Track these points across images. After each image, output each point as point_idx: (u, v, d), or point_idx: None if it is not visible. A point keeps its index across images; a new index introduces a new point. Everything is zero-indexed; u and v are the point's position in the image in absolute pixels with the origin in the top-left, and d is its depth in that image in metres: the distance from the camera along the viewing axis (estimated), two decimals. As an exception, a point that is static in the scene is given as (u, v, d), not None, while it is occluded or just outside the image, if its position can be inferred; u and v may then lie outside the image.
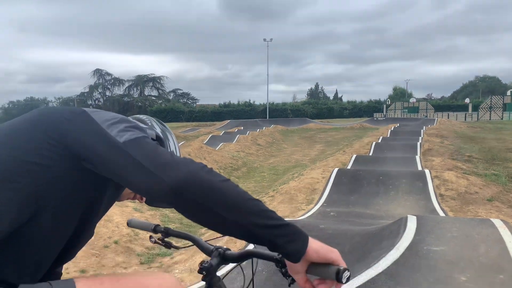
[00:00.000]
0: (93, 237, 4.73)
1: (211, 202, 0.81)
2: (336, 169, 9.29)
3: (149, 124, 1.30)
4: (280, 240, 0.82)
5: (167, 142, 1.31)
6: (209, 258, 1.13)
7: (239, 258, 1.11)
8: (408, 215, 4.78)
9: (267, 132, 24.63)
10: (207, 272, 1.07)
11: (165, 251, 5.26)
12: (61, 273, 1.11)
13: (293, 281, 0.95)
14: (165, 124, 1.39)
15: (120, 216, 6.00)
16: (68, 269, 4.37)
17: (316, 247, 0.85)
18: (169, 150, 1.28)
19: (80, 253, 4.97)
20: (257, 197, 8.29)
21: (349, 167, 10.60)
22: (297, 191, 8.21)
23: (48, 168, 0.88)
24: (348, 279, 0.83)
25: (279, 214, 5.00)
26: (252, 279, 1.14)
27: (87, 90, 68.74)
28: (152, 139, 1.25)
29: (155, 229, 1.34)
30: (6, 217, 0.83)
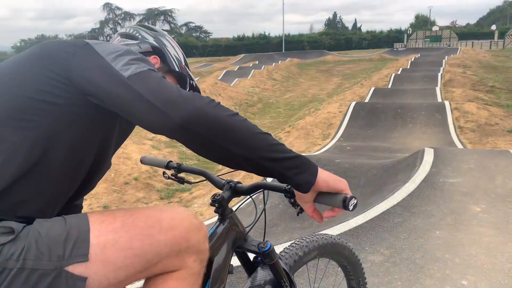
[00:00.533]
0: (113, 174, 4.91)
1: (218, 137, 0.80)
2: (353, 103, 9.15)
3: (139, 37, 1.23)
4: (290, 172, 0.84)
5: (165, 48, 1.24)
6: (221, 192, 1.15)
7: (250, 190, 1.14)
8: (425, 148, 4.74)
9: (282, 66, 24.09)
10: (219, 204, 1.10)
11: (184, 187, 5.44)
12: (82, 206, 1.12)
13: (301, 210, 0.98)
14: (156, 28, 1.31)
15: (138, 154, 6.16)
16: (92, 205, 4.60)
17: (325, 177, 0.87)
18: (170, 57, 1.24)
19: (101, 190, 5.18)
20: (273, 133, 8.34)
21: (366, 100, 10.41)
22: (313, 126, 8.19)
23: (57, 106, 0.86)
24: (355, 206, 0.86)
25: (295, 149, 5.05)
26: (264, 210, 1.17)
27: (98, 26, 67.61)
28: (149, 51, 1.21)
29: (168, 165, 1.35)
30: (20, 154, 0.83)
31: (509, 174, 3.87)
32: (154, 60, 1.22)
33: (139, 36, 1.24)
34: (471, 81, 12.35)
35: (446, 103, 8.57)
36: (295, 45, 54.43)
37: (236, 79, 16.97)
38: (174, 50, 1.28)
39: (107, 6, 66.47)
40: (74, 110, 0.88)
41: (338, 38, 59.38)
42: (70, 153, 0.89)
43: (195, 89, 1.32)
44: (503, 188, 3.56)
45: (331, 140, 7.40)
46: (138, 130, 8.21)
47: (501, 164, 4.16)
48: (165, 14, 68.21)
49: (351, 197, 0.85)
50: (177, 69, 1.25)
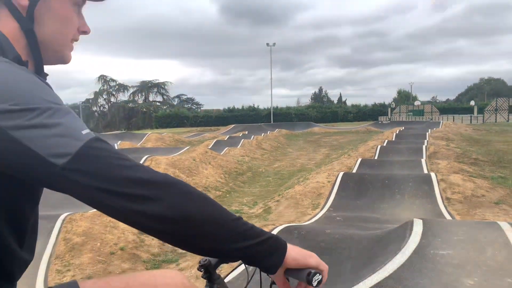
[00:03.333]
0: (99, 244, 4.74)
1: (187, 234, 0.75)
2: (341, 173, 9.28)
3: None
4: (258, 256, 0.81)
5: None
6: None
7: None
8: (414, 219, 4.76)
9: (271, 136, 24.65)
10: (205, 269, 1.08)
11: (171, 258, 5.28)
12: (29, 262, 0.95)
13: (273, 282, 0.97)
14: None
15: (127, 222, 6.03)
16: (75, 276, 4.39)
17: (294, 255, 0.85)
18: None
19: (86, 260, 5.00)
20: (263, 202, 8.23)
21: (354, 171, 10.57)
22: (303, 196, 8.21)
23: None
24: (319, 282, 0.87)
25: (285, 219, 5.01)
26: (248, 280, 1.15)
27: (92, 96, 69.22)
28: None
29: None
30: None
31: (498, 246, 3.88)
32: None
33: None
34: (455, 154, 12.74)
35: (432, 174, 8.75)
36: (283, 117, 56.27)
37: (226, 148, 17.23)
38: None
39: (102, 78, 68.73)
40: None
41: (324, 111, 61.69)
42: None
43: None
44: (494, 261, 3.54)
45: (321, 210, 7.37)
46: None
47: (490, 236, 4.18)
48: (158, 87, 70.63)
49: (315, 273, 0.86)
50: None
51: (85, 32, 0.96)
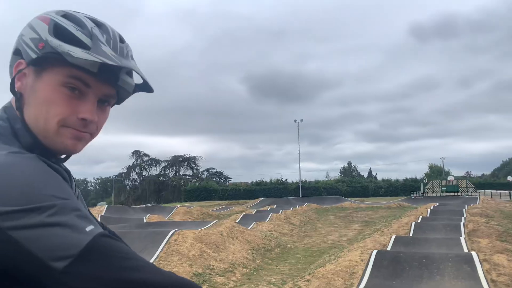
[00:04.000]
0: None
1: None
2: (375, 251, 8.85)
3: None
4: None
5: (20, 39, 0.85)
6: None
7: None
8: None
9: (300, 210, 24.20)
10: None
11: None
12: None
13: None
14: (92, 21, 0.87)
15: None
16: None
17: None
18: (23, 46, 0.83)
19: None
20: (292, 281, 7.89)
21: (388, 248, 10.06)
22: (335, 275, 7.80)
23: None
24: None
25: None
26: None
27: (125, 170, 71.42)
28: (16, 58, 0.86)
29: None
30: None
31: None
32: (20, 66, 0.84)
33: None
34: (497, 232, 11.99)
35: (474, 254, 8.20)
36: (311, 191, 55.65)
37: (254, 222, 16.97)
38: (31, 31, 0.83)
39: (136, 153, 71.37)
40: None
41: (354, 185, 60.67)
42: None
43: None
44: None
45: (355, 291, 6.93)
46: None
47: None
48: (189, 161, 72.39)
49: None
50: (33, 56, 0.81)
51: (85, 119, 0.82)
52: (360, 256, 8.64)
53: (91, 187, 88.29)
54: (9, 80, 0.86)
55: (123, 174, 71.35)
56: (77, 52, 0.78)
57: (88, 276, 0.64)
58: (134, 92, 0.92)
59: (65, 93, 0.82)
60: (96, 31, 0.83)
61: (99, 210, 20.60)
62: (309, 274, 8.51)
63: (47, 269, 0.64)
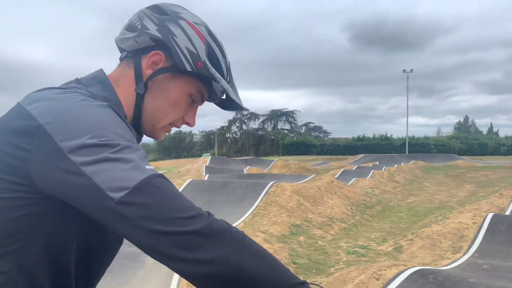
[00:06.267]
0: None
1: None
2: (490, 214, 7.98)
3: (139, 27, 0.91)
4: None
5: (172, 39, 0.88)
6: None
7: None
8: None
9: (406, 168, 22.92)
10: None
11: None
12: None
13: None
14: (169, 9, 0.93)
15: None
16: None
17: None
18: (178, 51, 0.88)
19: None
20: (393, 240, 7.62)
21: (507, 212, 8.99)
22: (441, 237, 7.27)
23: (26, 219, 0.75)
24: None
25: (418, 260, 4.50)
26: None
27: (226, 124, 75.09)
28: (149, 46, 0.91)
29: None
30: None
31: None
32: (156, 57, 0.90)
33: (139, 26, 0.91)
34: None
35: None
36: (419, 147, 51.94)
37: (354, 178, 16.59)
38: (188, 40, 0.89)
39: (236, 107, 74.11)
40: (44, 212, 0.76)
41: (470, 142, 54.93)
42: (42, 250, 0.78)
43: (227, 102, 0.99)
44: None
45: (464, 255, 6.39)
46: (252, 221, 8.38)
47: None
48: (287, 115, 72.92)
49: None
50: (188, 69, 0.88)
51: (188, 123, 0.99)
52: (472, 218, 7.88)
53: (196, 139, 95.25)
54: None
55: (225, 128, 75.20)
56: (223, 84, 0.93)
57: (141, 207, 0.67)
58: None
59: (188, 102, 0.96)
60: (228, 63, 0.99)
61: (204, 161, 22.13)
62: (412, 233, 8.08)
63: (106, 199, 0.68)
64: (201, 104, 1.01)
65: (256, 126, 74.02)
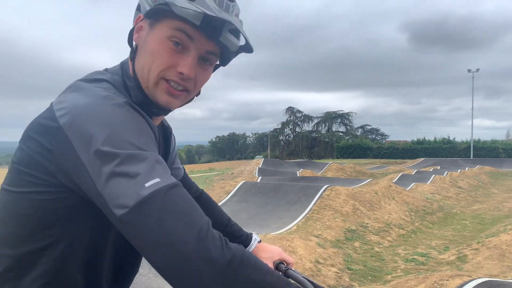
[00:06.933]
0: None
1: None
2: None
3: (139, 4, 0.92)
4: None
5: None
6: None
7: None
8: None
9: (470, 173, 21.50)
10: None
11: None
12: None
13: None
14: None
15: (304, 249, 6.10)
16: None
17: None
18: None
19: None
20: (457, 248, 7.17)
21: None
22: (511, 247, 6.72)
23: (54, 211, 0.80)
24: None
25: (485, 272, 4.19)
26: None
27: (279, 126, 75.04)
28: (137, 11, 0.92)
29: (277, 267, 1.22)
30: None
31: None
32: (139, 19, 0.92)
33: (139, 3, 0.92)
34: None
35: None
36: (486, 151, 48.52)
37: (413, 183, 15.85)
38: None
39: (290, 109, 73.85)
40: (73, 208, 0.81)
41: (544, 146, 50.35)
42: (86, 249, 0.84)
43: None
44: None
45: (538, 269, 5.85)
46: (305, 225, 8.29)
47: None
48: (342, 117, 71.38)
49: None
50: (147, 8, 0.87)
51: (182, 73, 0.87)
52: (548, 229, 7.20)
53: (249, 141, 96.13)
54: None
55: (278, 130, 75.18)
56: (181, 2, 0.82)
57: (138, 227, 0.69)
58: (238, 53, 0.94)
59: (169, 46, 0.87)
60: None
61: (257, 163, 22.28)
62: (478, 242, 7.55)
63: (111, 213, 0.72)
64: (196, 47, 0.88)
65: (310, 129, 73.33)
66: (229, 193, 11.25)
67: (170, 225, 0.69)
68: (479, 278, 4.63)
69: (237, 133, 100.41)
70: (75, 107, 0.79)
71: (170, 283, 0.71)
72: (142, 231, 0.69)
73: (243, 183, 11.63)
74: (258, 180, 14.22)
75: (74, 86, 0.88)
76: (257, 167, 19.79)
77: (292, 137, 74.31)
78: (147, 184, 0.71)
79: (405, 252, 7.48)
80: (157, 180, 0.72)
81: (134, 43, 0.93)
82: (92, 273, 0.86)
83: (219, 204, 12.31)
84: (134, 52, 0.92)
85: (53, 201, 0.80)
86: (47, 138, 0.78)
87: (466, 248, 7.35)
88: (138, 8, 0.92)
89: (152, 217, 0.69)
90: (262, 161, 23.86)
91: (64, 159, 0.76)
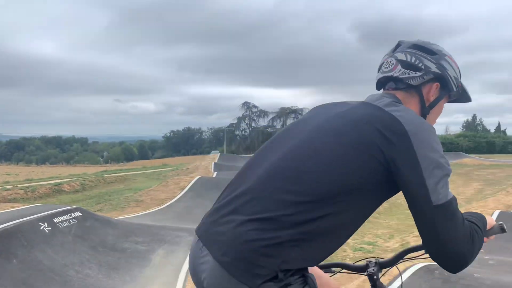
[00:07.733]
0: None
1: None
2: (497, 212, 8.06)
3: (422, 67, 1.25)
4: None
5: (446, 73, 1.26)
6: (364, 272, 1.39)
7: (393, 261, 1.45)
8: None
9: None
10: (371, 278, 1.40)
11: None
12: None
13: None
14: (434, 48, 1.29)
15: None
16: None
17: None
18: (451, 81, 1.27)
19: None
20: (401, 236, 7.65)
21: (514, 210, 9.02)
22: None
23: (367, 190, 1.11)
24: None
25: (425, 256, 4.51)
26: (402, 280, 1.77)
27: (235, 121, 75.01)
28: (430, 79, 1.25)
29: None
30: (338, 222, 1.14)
31: None
32: (434, 87, 1.26)
33: (422, 67, 1.25)
34: None
35: None
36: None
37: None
38: (453, 70, 1.28)
39: (245, 104, 74.03)
40: (377, 186, 1.12)
41: (478, 140, 54.60)
42: (356, 218, 1.15)
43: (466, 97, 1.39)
44: None
45: (470, 252, 6.47)
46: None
47: None
48: (296, 113, 72.67)
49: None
50: (455, 89, 1.29)
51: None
52: (479, 216, 7.95)
53: (205, 136, 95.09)
54: None
55: (234, 125, 75.08)
56: (466, 89, 1.36)
57: (446, 216, 1.12)
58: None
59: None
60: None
61: (213, 158, 22.28)
62: (419, 230, 8.17)
63: (428, 201, 1.08)
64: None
65: (265, 124, 73.91)
66: (183, 189, 11.21)
67: (453, 217, 1.11)
68: (420, 263, 5.05)
69: (193, 127, 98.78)
70: (412, 119, 1.12)
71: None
72: (446, 222, 1.08)
73: (198, 178, 11.63)
74: (214, 175, 14.26)
75: (386, 97, 1.24)
76: (213, 162, 19.78)
77: (248, 132, 74.51)
78: (449, 196, 1.10)
79: (353, 241, 7.91)
80: (451, 195, 1.11)
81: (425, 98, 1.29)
82: (349, 236, 1.19)
83: (173, 200, 12.20)
84: (429, 106, 1.30)
85: (372, 176, 1.09)
86: (392, 134, 1.08)
87: (409, 236, 7.92)
88: (437, 77, 1.27)
89: (447, 213, 1.09)
90: (218, 156, 23.88)
91: (402, 154, 1.07)
